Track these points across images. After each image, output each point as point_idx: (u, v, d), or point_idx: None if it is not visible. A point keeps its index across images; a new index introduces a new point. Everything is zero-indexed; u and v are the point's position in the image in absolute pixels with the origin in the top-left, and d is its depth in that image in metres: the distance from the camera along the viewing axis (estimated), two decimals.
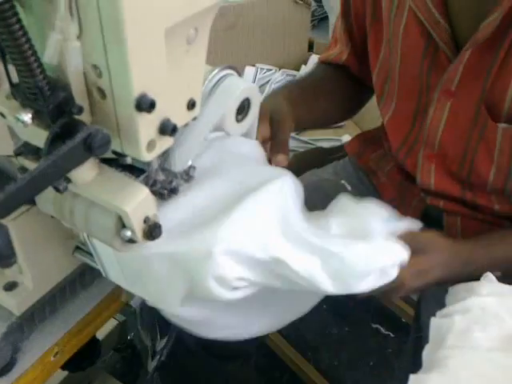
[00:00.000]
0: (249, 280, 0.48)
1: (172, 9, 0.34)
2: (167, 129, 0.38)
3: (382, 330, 1.42)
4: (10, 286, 0.56)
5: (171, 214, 0.48)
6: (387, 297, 0.58)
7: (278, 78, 1.55)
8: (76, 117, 0.36)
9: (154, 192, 0.45)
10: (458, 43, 0.63)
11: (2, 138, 0.44)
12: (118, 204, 0.40)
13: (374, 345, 1.39)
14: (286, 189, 0.52)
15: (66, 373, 0.90)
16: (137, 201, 0.41)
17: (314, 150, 1.18)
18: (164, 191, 0.47)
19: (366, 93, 0.85)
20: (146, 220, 0.42)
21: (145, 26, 0.33)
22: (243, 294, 0.50)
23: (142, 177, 0.44)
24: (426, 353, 0.57)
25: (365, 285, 0.51)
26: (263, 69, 1.58)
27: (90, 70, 0.35)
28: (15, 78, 0.35)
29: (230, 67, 0.50)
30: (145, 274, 0.48)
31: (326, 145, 1.27)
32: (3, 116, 0.37)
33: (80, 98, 0.36)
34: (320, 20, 1.82)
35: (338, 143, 1.30)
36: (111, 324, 1.06)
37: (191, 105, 0.42)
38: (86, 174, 0.40)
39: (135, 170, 0.44)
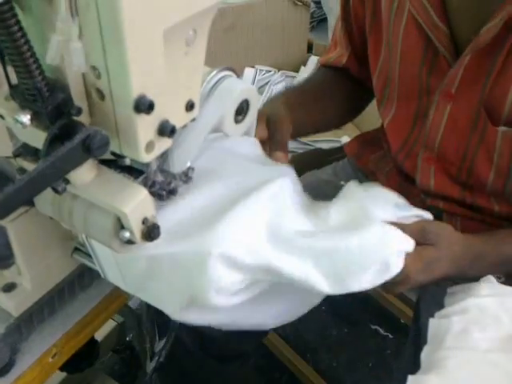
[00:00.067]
0: (245, 282, 0.48)
1: (170, 10, 0.34)
2: (166, 130, 0.39)
3: (381, 331, 1.42)
4: (9, 287, 0.56)
5: (170, 215, 0.48)
6: (390, 290, 0.57)
7: (277, 79, 1.55)
8: (75, 118, 0.36)
9: (152, 193, 0.45)
10: (457, 46, 0.63)
11: (1, 140, 0.44)
12: (116, 205, 0.40)
13: (373, 346, 1.39)
14: (284, 190, 0.52)
15: (64, 374, 0.90)
16: (135, 202, 0.41)
17: (313, 151, 1.19)
18: (163, 192, 0.47)
19: (367, 95, 0.85)
20: (144, 221, 0.42)
21: (143, 27, 0.33)
22: (241, 299, 0.49)
23: (141, 178, 0.44)
24: (424, 354, 0.57)
25: (364, 282, 0.49)
26: (262, 70, 1.58)
27: (89, 71, 0.35)
28: (14, 80, 0.35)
29: (229, 69, 0.50)
30: (143, 275, 0.48)
31: (325, 146, 1.27)
32: (2, 117, 0.37)
33: (79, 99, 0.36)
34: (319, 21, 1.82)
35: (337, 144, 1.30)
36: (110, 325, 1.06)
37: (190, 106, 0.42)
38: (84, 175, 0.40)
39: (134, 172, 0.44)
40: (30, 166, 0.41)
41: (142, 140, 0.38)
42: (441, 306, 0.62)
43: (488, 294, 0.59)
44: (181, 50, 0.39)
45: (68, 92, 0.36)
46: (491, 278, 0.62)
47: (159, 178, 0.46)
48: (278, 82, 1.54)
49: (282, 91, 0.83)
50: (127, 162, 0.43)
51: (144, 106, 0.35)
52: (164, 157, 0.46)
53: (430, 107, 0.68)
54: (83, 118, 0.37)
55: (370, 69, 0.77)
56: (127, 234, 0.42)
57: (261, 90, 1.53)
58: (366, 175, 0.89)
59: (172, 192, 0.48)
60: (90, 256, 0.54)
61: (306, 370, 1.26)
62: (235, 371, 1.01)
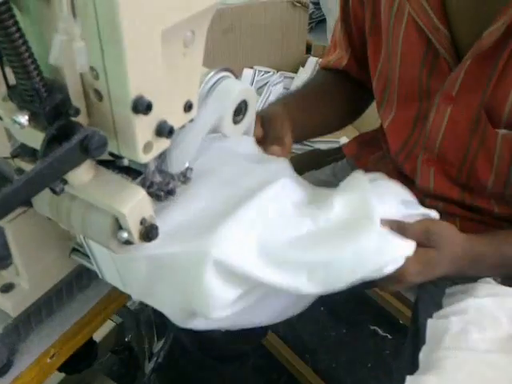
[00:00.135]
0: (240, 291, 0.48)
1: (168, 11, 0.34)
2: (164, 131, 0.39)
3: (380, 331, 1.42)
4: (7, 288, 0.55)
5: (168, 216, 0.48)
6: (385, 288, 0.57)
7: (276, 80, 1.55)
8: (73, 119, 0.36)
9: (150, 194, 0.45)
10: (457, 48, 0.62)
11: None
12: (114, 206, 0.40)
13: (372, 346, 1.39)
14: (285, 190, 0.52)
15: (62, 375, 0.90)
16: (133, 202, 0.41)
17: (312, 152, 1.18)
18: (161, 193, 0.47)
19: (367, 97, 0.85)
20: (142, 221, 0.42)
21: (141, 28, 0.33)
22: (238, 308, 0.49)
23: (139, 179, 0.44)
24: (422, 354, 0.57)
25: (355, 281, 0.50)
26: (261, 71, 1.58)
27: (87, 71, 0.35)
28: (12, 80, 0.35)
29: (227, 69, 0.50)
30: (144, 278, 0.48)
31: (323, 147, 1.27)
32: (0, 118, 0.37)
33: (77, 100, 0.36)
34: (318, 22, 1.82)
35: (335, 145, 1.30)
36: (108, 326, 1.06)
37: (188, 107, 0.42)
38: (82, 175, 0.40)
39: (132, 172, 0.44)
40: (28, 167, 0.41)
41: (139, 140, 0.38)
42: (439, 307, 0.62)
43: (486, 295, 0.59)
44: (179, 51, 0.39)
45: (66, 93, 0.36)
46: (489, 279, 0.62)
47: (157, 178, 0.46)
48: (277, 83, 1.54)
49: (282, 96, 0.83)
50: (125, 162, 0.43)
51: (142, 106, 0.35)
52: (162, 157, 0.46)
53: (430, 109, 0.68)
54: (81, 119, 0.37)
55: (370, 70, 0.77)
56: (125, 235, 0.42)
57: (259, 90, 1.53)
58: None
59: (170, 192, 0.48)
60: (87, 256, 0.54)
61: (304, 371, 1.26)
62: (234, 372, 1.01)
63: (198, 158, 0.53)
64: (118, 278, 0.52)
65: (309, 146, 1.33)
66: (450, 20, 0.62)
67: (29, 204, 0.46)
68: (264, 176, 0.53)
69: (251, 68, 1.58)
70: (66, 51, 0.32)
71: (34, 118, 0.35)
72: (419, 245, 0.53)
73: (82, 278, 0.63)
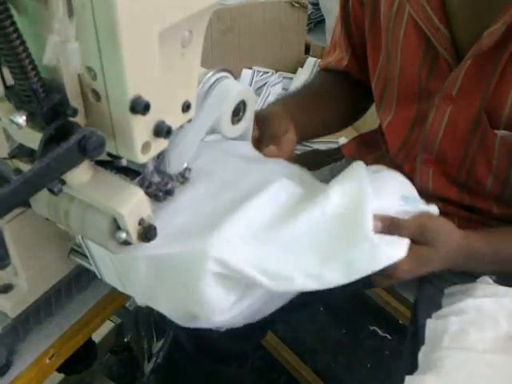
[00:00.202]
0: (237, 292, 0.48)
1: (166, 11, 0.34)
2: (162, 131, 0.39)
3: (379, 332, 1.42)
4: (5, 288, 0.55)
5: (166, 216, 0.48)
6: (376, 283, 0.56)
7: (275, 80, 1.55)
8: (70, 119, 0.36)
9: (149, 194, 0.45)
10: (457, 49, 0.62)
11: None
12: (112, 206, 0.40)
13: (372, 347, 1.39)
14: (282, 190, 0.52)
15: (62, 375, 0.90)
16: (132, 203, 0.41)
17: (311, 152, 1.18)
18: (159, 193, 0.47)
19: (368, 97, 0.85)
20: (140, 222, 0.42)
21: (139, 28, 0.33)
22: (237, 311, 0.49)
23: (138, 179, 0.44)
24: (422, 354, 0.57)
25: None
26: (260, 71, 1.58)
27: (85, 72, 0.35)
28: (9, 81, 0.35)
29: (225, 70, 0.50)
30: (140, 276, 0.48)
31: (322, 147, 1.27)
32: None
33: (74, 100, 0.36)
34: (316, 23, 1.82)
35: (334, 145, 1.30)
36: (108, 326, 1.06)
37: (186, 107, 0.42)
38: (80, 176, 0.40)
39: (130, 172, 0.44)
40: (26, 167, 0.41)
41: (138, 141, 0.38)
42: (438, 307, 0.62)
43: (485, 295, 0.59)
44: (177, 51, 0.39)
45: (64, 93, 0.36)
46: (488, 279, 0.62)
47: (156, 178, 0.46)
48: (276, 84, 1.54)
49: (281, 96, 0.82)
50: (123, 162, 0.43)
51: (140, 106, 0.35)
52: (161, 158, 0.46)
53: (429, 110, 0.68)
54: (79, 119, 0.37)
55: (369, 72, 0.77)
56: (123, 235, 0.42)
57: (258, 91, 1.53)
58: None
59: (169, 193, 0.48)
60: (86, 257, 0.54)
61: (304, 371, 1.26)
62: (233, 372, 1.01)
63: (197, 158, 0.53)
64: (116, 278, 0.52)
65: (308, 146, 1.33)
66: (450, 20, 0.62)
67: (27, 205, 0.46)
68: (263, 176, 0.53)
69: (250, 68, 1.58)
70: (62, 52, 0.32)
71: (31, 119, 0.35)
72: (413, 241, 0.53)
73: (81, 278, 0.63)
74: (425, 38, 0.64)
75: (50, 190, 0.38)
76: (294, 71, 1.62)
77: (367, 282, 0.51)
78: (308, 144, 1.33)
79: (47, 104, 0.34)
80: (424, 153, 0.72)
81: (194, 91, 0.44)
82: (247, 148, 0.58)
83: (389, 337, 1.41)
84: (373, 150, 0.88)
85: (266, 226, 0.49)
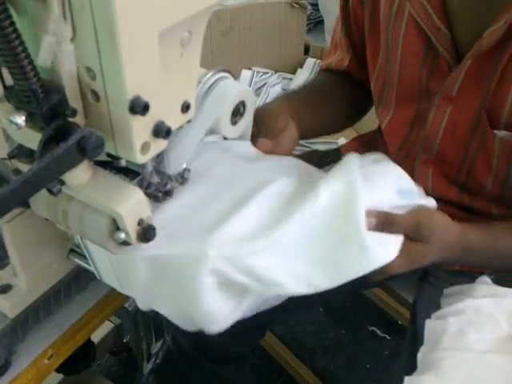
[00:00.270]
0: (239, 297, 0.48)
1: (165, 11, 0.34)
2: (161, 131, 0.39)
3: (379, 332, 1.42)
4: (4, 289, 0.55)
5: (166, 217, 0.48)
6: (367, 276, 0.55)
7: (274, 81, 1.55)
8: (70, 119, 0.36)
9: (148, 194, 0.45)
10: (458, 48, 0.62)
11: None
12: (112, 206, 0.40)
13: (371, 347, 1.40)
14: (281, 190, 0.51)
15: (61, 376, 0.90)
16: (131, 203, 0.41)
17: (310, 153, 1.18)
18: (158, 194, 0.47)
19: (369, 98, 0.85)
20: (140, 222, 0.42)
21: (138, 28, 0.33)
22: (234, 318, 0.49)
23: (137, 179, 0.44)
24: (421, 354, 0.57)
25: None
26: (259, 72, 1.58)
27: (84, 72, 0.35)
28: (9, 81, 0.35)
29: (225, 70, 0.50)
30: (139, 277, 0.48)
31: (322, 148, 1.27)
32: None
33: (74, 101, 0.36)
34: (316, 24, 1.82)
35: (334, 146, 1.30)
36: (107, 327, 1.06)
37: (185, 107, 0.42)
38: (79, 176, 0.40)
39: (130, 173, 0.44)
40: (25, 168, 0.41)
41: (137, 141, 0.38)
42: (437, 307, 0.62)
43: (484, 295, 0.59)
44: (176, 52, 0.39)
45: (63, 93, 0.36)
46: (487, 279, 0.62)
47: (155, 179, 0.46)
48: (275, 84, 1.54)
49: (282, 94, 0.82)
50: (123, 163, 0.43)
51: (139, 107, 0.35)
52: (160, 158, 0.46)
53: (429, 110, 0.68)
54: (78, 120, 0.37)
55: (369, 71, 0.77)
56: (122, 235, 0.42)
57: (258, 91, 1.53)
58: None
59: (168, 193, 0.48)
60: (85, 257, 0.54)
61: (303, 372, 1.26)
62: (232, 373, 1.01)
63: (196, 158, 0.53)
64: (115, 278, 0.52)
65: (307, 147, 1.33)
66: (450, 20, 0.62)
67: (26, 205, 0.46)
68: (262, 175, 0.53)
69: (249, 69, 1.58)
70: (58, 53, 0.32)
71: (30, 119, 0.35)
72: (408, 238, 0.52)
73: (80, 279, 0.63)
74: (425, 38, 0.64)
75: (49, 191, 0.38)
76: (294, 72, 1.62)
77: (363, 281, 0.51)
78: (307, 144, 1.33)
79: (46, 104, 0.34)
80: (423, 153, 0.72)
81: (193, 91, 0.44)
82: (247, 147, 0.58)
83: (388, 337, 1.41)
84: (372, 150, 0.87)
85: (257, 230, 0.48)
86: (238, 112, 0.53)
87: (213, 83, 0.49)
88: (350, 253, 0.48)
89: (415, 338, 0.69)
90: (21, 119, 0.35)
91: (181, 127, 0.44)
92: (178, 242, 0.46)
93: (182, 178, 0.50)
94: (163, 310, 0.51)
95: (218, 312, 0.47)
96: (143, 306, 0.53)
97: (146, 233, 0.43)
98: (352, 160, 0.54)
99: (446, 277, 0.74)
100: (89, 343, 0.86)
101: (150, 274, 0.48)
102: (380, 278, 0.55)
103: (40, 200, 0.44)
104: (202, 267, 0.44)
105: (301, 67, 1.61)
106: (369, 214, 0.49)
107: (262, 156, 0.57)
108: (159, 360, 0.99)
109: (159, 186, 0.47)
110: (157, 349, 1.01)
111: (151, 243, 0.43)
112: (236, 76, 0.50)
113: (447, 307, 0.60)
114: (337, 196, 0.49)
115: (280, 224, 0.47)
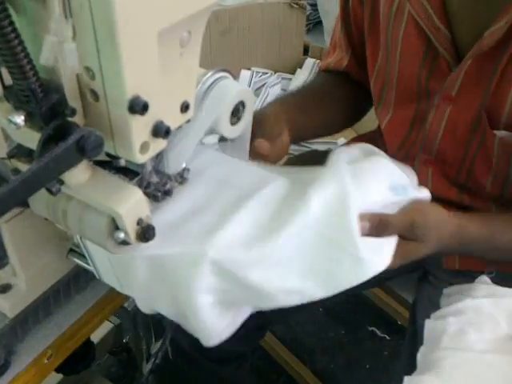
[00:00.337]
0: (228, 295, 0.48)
1: (165, 11, 0.34)
2: (160, 131, 0.39)
3: (378, 332, 1.43)
4: (4, 289, 0.55)
5: (165, 217, 0.48)
6: None
7: (274, 81, 1.55)
8: (69, 119, 0.36)
9: (147, 194, 0.45)
10: (457, 48, 0.62)
11: None
12: (111, 206, 0.40)
13: (371, 347, 1.40)
14: (279, 193, 0.51)
15: (60, 376, 0.90)
16: (130, 203, 0.41)
17: (310, 153, 1.18)
18: (158, 193, 0.47)
19: (369, 99, 0.85)
20: (139, 222, 0.42)
21: (137, 28, 0.33)
22: (232, 330, 0.50)
23: (136, 179, 0.44)
24: (420, 354, 0.57)
25: None
26: (259, 72, 1.58)
27: (83, 72, 0.35)
28: (8, 80, 0.35)
29: (224, 70, 0.50)
30: (138, 277, 0.48)
31: (321, 148, 1.27)
32: None
33: (73, 100, 0.36)
34: (315, 24, 1.82)
35: (333, 146, 1.30)
36: (106, 327, 1.06)
37: (185, 107, 0.42)
38: (79, 176, 0.40)
39: (129, 173, 0.44)
40: (24, 167, 0.41)
41: (136, 141, 0.38)
42: (437, 307, 0.62)
43: (484, 295, 0.59)
44: (175, 51, 0.39)
45: (62, 93, 0.36)
46: (486, 279, 0.62)
47: (154, 179, 0.46)
48: (275, 84, 1.54)
49: (280, 96, 0.82)
50: (122, 163, 0.43)
51: (138, 106, 0.35)
52: (159, 158, 0.46)
53: (429, 110, 0.68)
54: (77, 119, 0.37)
55: (368, 71, 0.77)
56: (122, 235, 0.42)
57: (257, 92, 1.53)
58: None
59: (167, 193, 0.48)
60: (85, 257, 0.54)
61: (303, 372, 1.27)
62: (232, 373, 1.01)
63: (195, 158, 0.53)
64: (115, 278, 0.52)
65: (306, 147, 1.33)
66: (450, 20, 0.62)
67: (25, 204, 0.46)
68: (262, 175, 0.53)
69: (249, 69, 1.58)
70: (58, 52, 0.32)
71: (30, 119, 0.35)
72: (402, 237, 0.52)
73: (80, 278, 0.63)
74: (425, 38, 0.64)
75: (49, 190, 0.38)
76: (293, 72, 1.62)
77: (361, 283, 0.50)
78: (307, 144, 1.33)
79: (45, 104, 0.34)
80: (423, 153, 0.72)
81: (192, 91, 0.44)
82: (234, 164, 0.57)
83: (387, 337, 1.41)
84: None
85: (250, 239, 0.47)
86: (237, 112, 0.53)
87: (212, 83, 0.49)
88: (344, 263, 0.46)
89: (415, 338, 0.69)
90: (20, 119, 0.35)
91: (180, 127, 0.44)
92: (178, 241, 0.46)
93: (182, 177, 0.50)
94: (163, 310, 0.51)
95: (212, 327, 0.48)
96: (143, 306, 0.52)
97: (146, 232, 0.43)
98: (340, 157, 0.52)
99: (445, 277, 0.74)
100: (88, 343, 0.86)
101: (149, 273, 0.48)
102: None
103: (39, 200, 0.44)
104: (200, 265, 0.44)
105: (300, 67, 1.61)
106: (362, 217, 0.47)
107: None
108: (159, 360, 0.99)
109: (158, 185, 0.47)
110: (156, 349, 1.01)
111: (150, 243, 0.44)
112: (235, 76, 0.50)
113: (447, 307, 0.60)
114: (329, 206, 0.47)
115: (272, 236, 0.46)
